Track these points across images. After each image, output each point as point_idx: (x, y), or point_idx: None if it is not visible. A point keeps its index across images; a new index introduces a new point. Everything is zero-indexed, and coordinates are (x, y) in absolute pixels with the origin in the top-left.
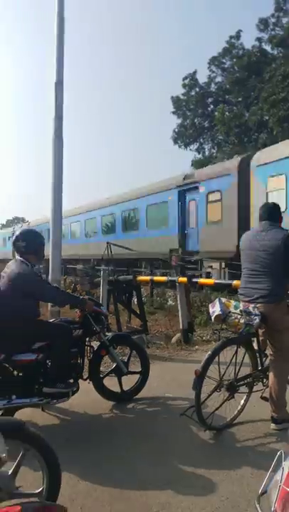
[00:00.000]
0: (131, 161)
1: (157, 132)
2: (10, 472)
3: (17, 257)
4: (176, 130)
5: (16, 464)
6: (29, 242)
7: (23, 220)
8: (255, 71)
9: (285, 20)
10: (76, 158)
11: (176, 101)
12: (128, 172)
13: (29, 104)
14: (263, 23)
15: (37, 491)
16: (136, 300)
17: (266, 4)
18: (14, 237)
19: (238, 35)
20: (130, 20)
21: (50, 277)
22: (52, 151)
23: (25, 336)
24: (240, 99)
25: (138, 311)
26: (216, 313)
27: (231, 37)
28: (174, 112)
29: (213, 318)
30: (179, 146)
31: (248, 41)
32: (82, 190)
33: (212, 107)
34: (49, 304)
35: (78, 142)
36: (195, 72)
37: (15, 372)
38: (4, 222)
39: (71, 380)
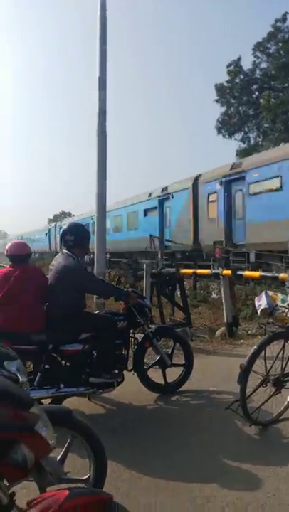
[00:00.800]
0: (171, 154)
1: (197, 123)
2: (58, 458)
3: (64, 250)
4: (220, 119)
5: (63, 450)
6: (77, 236)
7: (69, 214)
8: None
9: None
10: (118, 151)
11: (219, 88)
12: (170, 166)
13: (76, 102)
14: None
15: (84, 478)
16: (179, 293)
17: None
18: (62, 231)
19: (284, 18)
20: (173, 8)
21: (95, 270)
22: (96, 146)
23: (72, 327)
24: (286, 84)
25: (181, 304)
26: (262, 307)
27: (277, 20)
28: (217, 100)
29: (259, 311)
30: (223, 136)
31: None
32: (122, 183)
33: (257, 93)
34: (94, 296)
35: (118, 135)
36: (239, 59)
37: (63, 362)
38: (52, 217)
39: (116, 371)
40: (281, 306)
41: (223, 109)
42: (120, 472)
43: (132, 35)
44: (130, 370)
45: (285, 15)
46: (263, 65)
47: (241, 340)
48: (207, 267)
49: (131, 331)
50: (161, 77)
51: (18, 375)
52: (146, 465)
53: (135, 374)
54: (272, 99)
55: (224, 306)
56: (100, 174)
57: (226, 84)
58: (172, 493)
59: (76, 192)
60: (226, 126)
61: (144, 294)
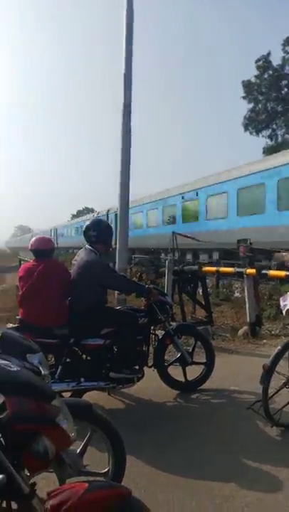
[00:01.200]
0: (192, 151)
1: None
2: (78, 451)
3: (86, 245)
4: (247, 116)
5: (83, 443)
6: (99, 232)
7: (92, 210)
8: None
9: None
10: (142, 148)
11: (247, 85)
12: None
13: (102, 102)
14: None
15: (103, 471)
16: (201, 291)
17: None
18: (85, 227)
19: None
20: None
21: (116, 266)
22: (120, 145)
23: (94, 322)
24: None
25: (203, 302)
26: (287, 307)
27: None
28: (244, 97)
29: (284, 311)
30: (250, 133)
31: None
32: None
33: (286, 90)
34: (116, 292)
35: (142, 131)
36: (269, 54)
37: (84, 356)
38: (75, 213)
39: (136, 367)
40: None
41: (251, 105)
42: (139, 467)
43: (158, 34)
44: (150, 367)
45: None
46: None
47: (264, 340)
48: None
49: (152, 327)
50: (187, 75)
51: (40, 368)
52: (165, 461)
53: (155, 370)
54: None
55: (247, 305)
56: (123, 174)
57: (253, 81)
58: (191, 490)
59: (102, 191)
60: (254, 123)
61: (166, 291)
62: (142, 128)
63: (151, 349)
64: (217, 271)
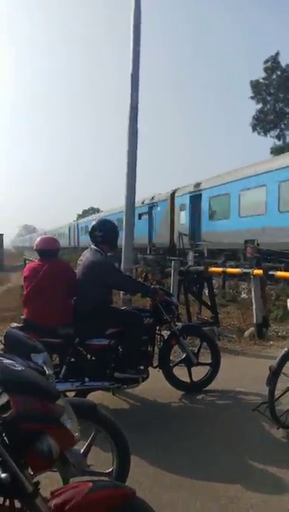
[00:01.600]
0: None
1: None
2: (82, 451)
3: (92, 246)
4: (256, 116)
5: (87, 443)
6: (106, 232)
7: (98, 210)
8: None
9: None
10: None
11: (255, 85)
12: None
13: (109, 103)
14: None
15: (107, 471)
16: (207, 291)
17: None
18: (91, 227)
19: None
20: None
21: (122, 266)
22: (127, 147)
23: (98, 322)
24: None
25: (209, 303)
26: None
27: None
28: (252, 97)
29: None
30: (258, 133)
31: None
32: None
33: None
34: (121, 292)
35: (148, 132)
36: (277, 54)
37: (88, 356)
38: (81, 212)
39: (141, 367)
40: None
41: (259, 106)
42: (144, 467)
43: (165, 34)
44: (156, 367)
45: None
46: None
47: (271, 342)
48: None
49: (157, 327)
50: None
51: (45, 368)
52: (169, 462)
53: (160, 371)
54: None
55: (254, 306)
56: (129, 175)
57: (261, 81)
58: (195, 491)
59: (106, 192)
60: (262, 124)
61: (171, 292)
62: (147, 129)
63: (156, 349)
64: (223, 272)
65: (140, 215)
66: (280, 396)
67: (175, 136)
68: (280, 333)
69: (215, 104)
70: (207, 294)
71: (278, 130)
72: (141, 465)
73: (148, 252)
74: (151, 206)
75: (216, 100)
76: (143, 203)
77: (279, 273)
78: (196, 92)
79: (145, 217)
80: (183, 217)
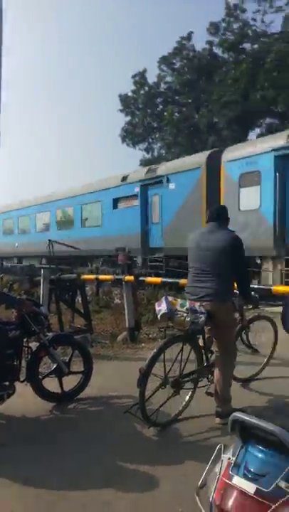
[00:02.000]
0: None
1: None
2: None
3: None
4: (125, 128)
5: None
6: None
7: None
8: (206, 73)
9: (235, 25)
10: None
11: (124, 99)
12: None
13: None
14: (214, 27)
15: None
16: (80, 299)
17: (217, 9)
18: None
19: (189, 37)
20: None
21: None
22: None
23: None
24: (190, 100)
25: (82, 310)
26: (162, 312)
27: (182, 38)
28: (121, 110)
29: (159, 316)
30: (127, 145)
31: (199, 42)
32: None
33: (161, 107)
34: None
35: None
36: (144, 71)
37: None
38: None
39: (6, 383)
40: (180, 311)
41: (128, 118)
42: (8, 484)
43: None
44: (23, 381)
45: (189, 34)
46: (168, 79)
47: (143, 344)
48: None
49: (25, 340)
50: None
51: None
52: (38, 477)
53: (28, 385)
54: (176, 114)
55: (126, 311)
56: None
57: (130, 95)
58: (68, 502)
59: None
60: (131, 136)
61: (41, 301)
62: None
63: (24, 363)
64: (96, 278)
65: (116, 202)
66: (150, 396)
67: (44, 146)
68: (150, 336)
69: (87, 116)
70: (80, 301)
71: (146, 143)
72: (6, 485)
73: (140, 263)
74: (148, 185)
75: (87, 111)
76: (124, 179)
77: (149, 278)
78: (62, 103)
79: (130, 204)
80: None
